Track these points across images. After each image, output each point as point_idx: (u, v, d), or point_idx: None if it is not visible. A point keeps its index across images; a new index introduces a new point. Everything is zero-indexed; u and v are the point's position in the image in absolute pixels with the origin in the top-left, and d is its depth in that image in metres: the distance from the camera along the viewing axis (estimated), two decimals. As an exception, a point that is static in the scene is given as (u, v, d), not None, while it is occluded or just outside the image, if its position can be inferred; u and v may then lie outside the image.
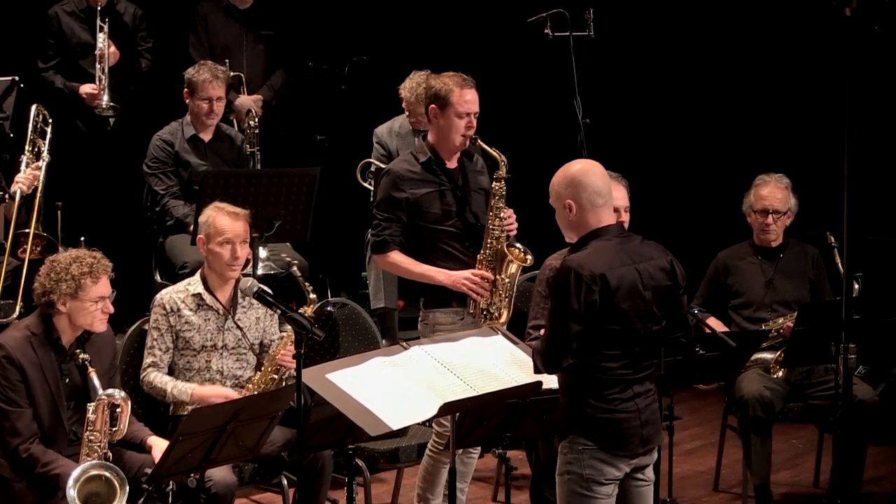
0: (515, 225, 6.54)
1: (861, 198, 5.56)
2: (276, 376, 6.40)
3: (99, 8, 8.67)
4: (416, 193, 6.44)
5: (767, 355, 7.26)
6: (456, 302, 6.45)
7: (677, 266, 5.27)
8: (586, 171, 5.22)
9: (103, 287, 5.96)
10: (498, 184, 6.47)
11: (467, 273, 6.41)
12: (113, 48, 8.61)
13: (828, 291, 7.51)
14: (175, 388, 6.34)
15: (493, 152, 6.50)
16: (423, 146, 6.55)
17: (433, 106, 6.45)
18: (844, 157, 5.59)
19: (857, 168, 5.54)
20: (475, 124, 6.48)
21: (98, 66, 8.56)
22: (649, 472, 5.32)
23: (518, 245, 6.47)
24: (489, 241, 6.45)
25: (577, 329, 5.05)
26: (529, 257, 6.48)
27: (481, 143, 6.51)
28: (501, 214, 6.45)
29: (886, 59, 8.39)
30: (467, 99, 6.43)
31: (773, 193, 7.43)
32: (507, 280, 6.44)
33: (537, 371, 5.20)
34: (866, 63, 5.57)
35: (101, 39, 8.57)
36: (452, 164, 6.54)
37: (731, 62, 9.87)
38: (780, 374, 7.21)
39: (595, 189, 5.17)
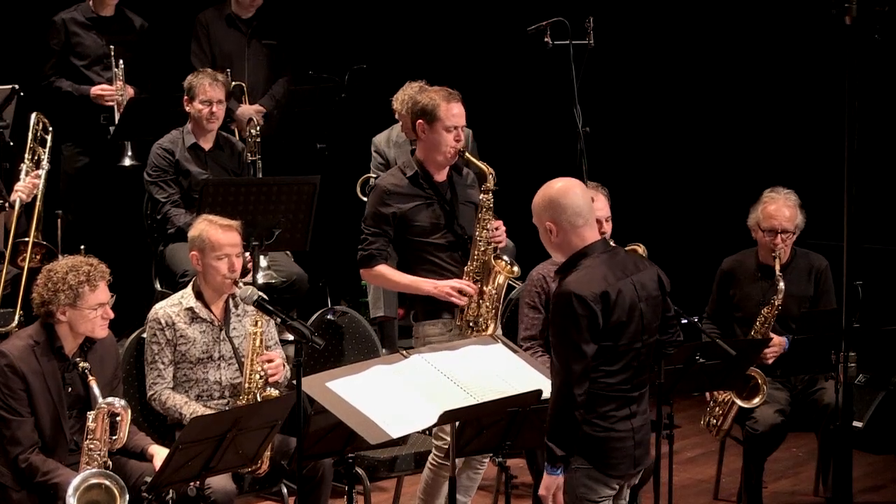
0: (504, 237, 6.55)
1: (861, 205, 5.55)
2: (258, 376, 6.36)
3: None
4: (402, 208, 6.45)
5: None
6: (446, 313, 6.45)
7: (662, 275, 5.28)
8: (565, 191, 5.15)
9: (102, 294, 5.96)
10: (485, 196, 6.48)
11: (452, 282, 6.42)
12: (129, 90, 8.64)
13: (828, 304, 7.41)
14: (194, 412, 6.26)
15: (481, 164, 6.51)
16: (410, 160, 6.57)
17: (420, 121, 6.46)
18: (845, 165, 5.58)
19: (858, 176, 5.54)
20: (462, 137, 6.50)
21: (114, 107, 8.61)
22: (627, 494, 5.32)
23: (504, 257, 6.47)
24: (476, 252, 6.46)
25: (591, 351, 5.00)
26: (516, 269, 6.48)
27: (468, 156, 6.53)
28: (489, 226, 6.46)
29: (886, 67, 8.39)
30: (454, 112, 6.44)
31: (780, 212, 7.31)
32: (494, 292, 6.45)
33: (559, 408, 5.05)
34: (866, 71, 5.56)
35: (118, 83, 8.60)
36: (441, 177, 6.55)
37: (732, 69, 9.87)
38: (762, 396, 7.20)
39: (575, 210, 5.12)
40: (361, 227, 6.53)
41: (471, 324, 6.41)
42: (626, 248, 5.98)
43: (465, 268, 6.46)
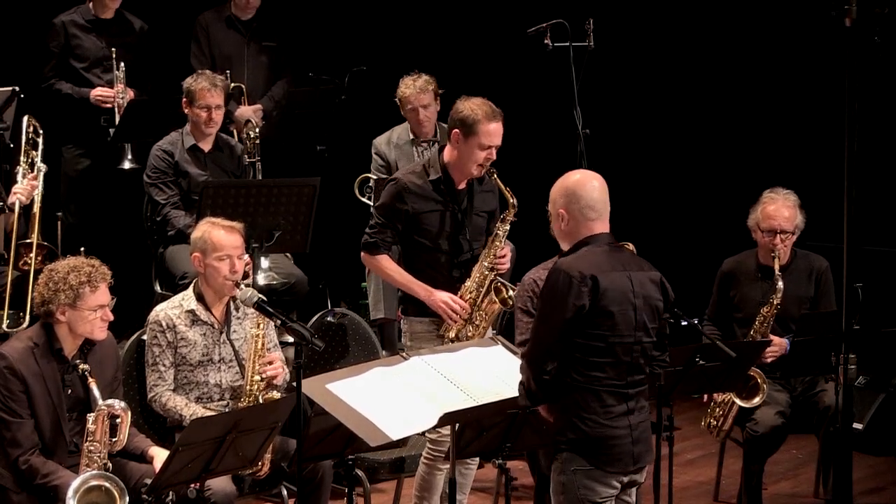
0: (507, 265, 6.55)
1: (862, 207, 5.55)
2: (259, 378, 6.37)
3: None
4: (417, 209, 6.46)
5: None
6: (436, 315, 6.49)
7: (666, 284, 5.30)
8: (583, 182, 5.26)
9: (102, 295, 5.95)
10: (503, 225, 6.48)
11: (446, 297, 6.43)
12: (130, 92, 8.65)
13: (829, 306, 7.43)
14: (194, 414, 6.26)
15: (506, 191, 6.49)
16: (437, 162, 6.55)
17: (456, 130, 6.43)
18: (845, 167, 5.59)
19: (858, 177, 5.54)
20: (495, 156, 6.47)
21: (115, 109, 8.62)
22: (634, 494, 5.32)
23: (506, 284, 6.49)
24: (478, 273, 6.47)
25: (565, 331, 5.04)
26: (511, 302, 6.50)
27: (497, 179, 6.50)
28: (497, 252, 6.46)
29: (886, 69, 8.39)
30: (493, 132, 6.42)
31: (780, 212, 7.33)
32: (485, 315, 6.46)
33: (527, 391, 5.15)
34: (866, 72, 5.57)
35: (118, 86, 8.61)
36: (462, 185, 6.55)
37: (731, 70, 9.87)
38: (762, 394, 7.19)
39: (588, 202, 5.20)
40: (372, 212, 6.55)
41: (453, 341, 6.42)
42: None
43: (464, 284, 6.49)
